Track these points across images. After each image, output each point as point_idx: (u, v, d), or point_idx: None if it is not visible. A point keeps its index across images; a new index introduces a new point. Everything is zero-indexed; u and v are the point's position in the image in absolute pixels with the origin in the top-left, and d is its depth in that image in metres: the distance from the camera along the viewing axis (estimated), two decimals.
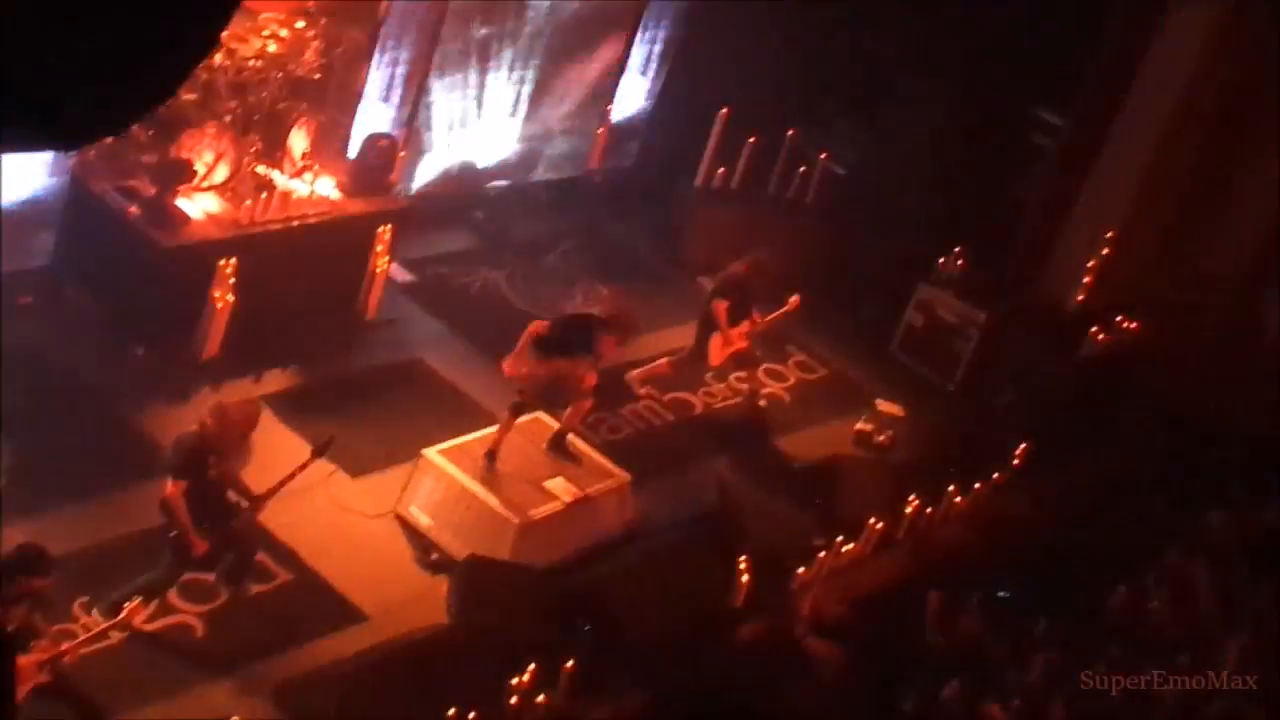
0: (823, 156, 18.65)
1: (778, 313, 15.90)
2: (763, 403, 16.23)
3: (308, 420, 13.61)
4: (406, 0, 15.66)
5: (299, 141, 14.66)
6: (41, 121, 3.12)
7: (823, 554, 13.62)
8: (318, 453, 11.96)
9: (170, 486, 11.24)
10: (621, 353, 14.20)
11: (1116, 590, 13.68)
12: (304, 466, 11.80)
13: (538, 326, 13.42)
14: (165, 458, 11.74)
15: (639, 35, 18.52)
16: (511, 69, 17.19)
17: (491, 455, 13.26)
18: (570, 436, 13.83)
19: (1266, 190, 18.25)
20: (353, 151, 15.41)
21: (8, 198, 13.10)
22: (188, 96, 13.90)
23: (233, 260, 13.79)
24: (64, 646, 10.27)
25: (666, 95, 19.06)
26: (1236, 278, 18.42)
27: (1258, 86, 17.80)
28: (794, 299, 15.88)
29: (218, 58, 13.99)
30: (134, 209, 13.69)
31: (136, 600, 10.80)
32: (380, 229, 15.07)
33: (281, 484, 11.64)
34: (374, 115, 15.91)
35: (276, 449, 12.83)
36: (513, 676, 11.11)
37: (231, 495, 11.60)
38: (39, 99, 3.03)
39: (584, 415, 13.93)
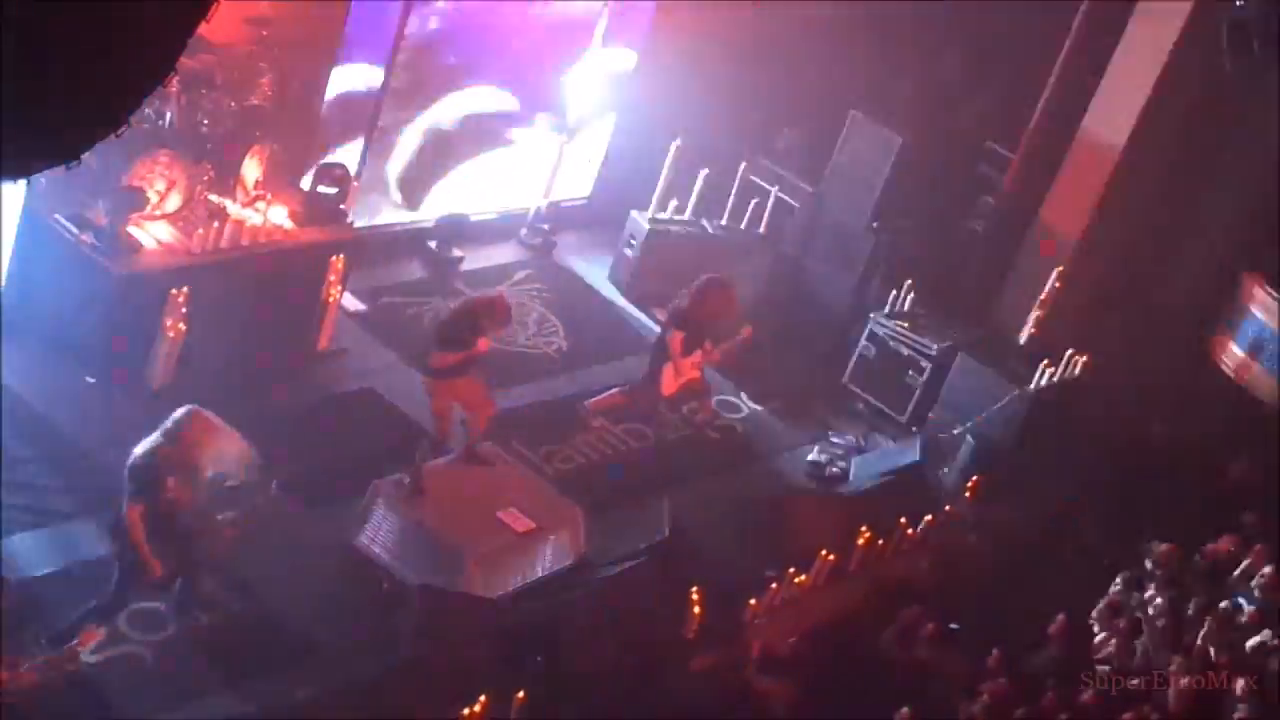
0: (774, 189, 18.73)
1: (729, 343, 15.94)
2: (715, 434, 16.24)
3: (258, 450, 13.53)
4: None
5: (252, 170, 14.63)
6: None
7: (774, 586, 13.64)
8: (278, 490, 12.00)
9: (127, 509, 11.10)
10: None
11: (1063, 621, 13.73)
12: (270, 503, 11.78)
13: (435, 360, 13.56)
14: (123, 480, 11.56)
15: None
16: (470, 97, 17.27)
17: (416, 475, 13.23)
18: (482, 445, 13.87)
19: (1216, 224, 18.43)
20: (305, 181, 15.39)
21: None
22: (140, 125, 13.86)
23: (185, 289, 13.74)
24: (14, 675, 10.20)
25: (620, 126, 19.12)
26: (1186, 312, 18.55)
27: (1208, 121, 17.96)
28: (746, 330, 15.91)
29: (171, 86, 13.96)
30: (86, 237, 13.63)
31: (88, 629, 10.72)
32: (333, 258, 15.05)
33: (247, 519, 11.58)
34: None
35: None
36: (464, 708, 11.08)
37: (187, 521, 11.47)
38: None
39: (488, 420, 13.92)
